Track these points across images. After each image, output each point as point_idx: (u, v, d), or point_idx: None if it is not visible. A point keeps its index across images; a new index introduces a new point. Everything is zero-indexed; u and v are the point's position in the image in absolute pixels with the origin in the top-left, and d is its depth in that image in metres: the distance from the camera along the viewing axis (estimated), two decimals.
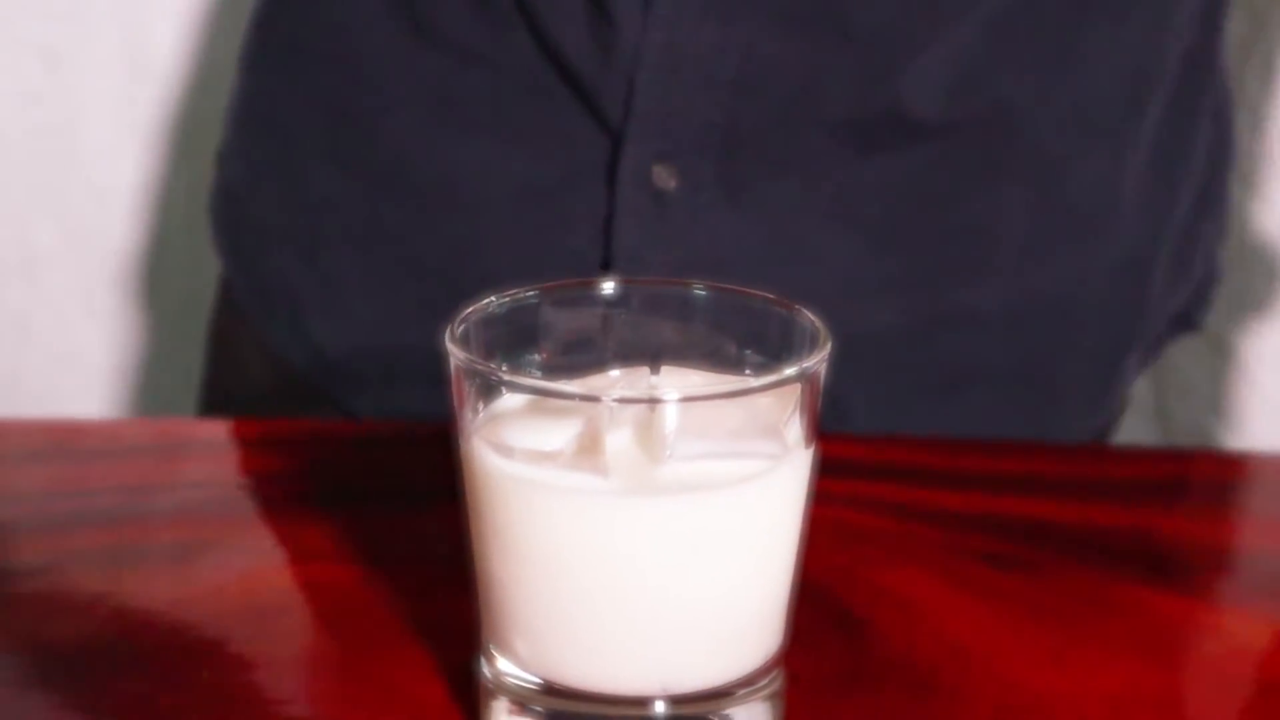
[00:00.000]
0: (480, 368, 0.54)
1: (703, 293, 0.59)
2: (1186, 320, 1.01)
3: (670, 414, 0.53)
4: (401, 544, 0.70)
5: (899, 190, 0.88)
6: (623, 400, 0.53)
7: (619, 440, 0.53)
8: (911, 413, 0.91)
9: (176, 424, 0.82)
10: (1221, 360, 1.39)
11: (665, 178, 0.86)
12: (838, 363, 0.57)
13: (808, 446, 0.56)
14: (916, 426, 0.88)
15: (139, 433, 0.81)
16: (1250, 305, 1.37)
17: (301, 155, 0.95)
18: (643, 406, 0.54)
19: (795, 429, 0.55)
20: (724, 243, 0.87)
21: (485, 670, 0.57)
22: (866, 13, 0.85)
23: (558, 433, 0.54)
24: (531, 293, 0.59)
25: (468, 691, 0.59)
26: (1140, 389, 1.37)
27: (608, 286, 0.60)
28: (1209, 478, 0.82)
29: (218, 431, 0.80)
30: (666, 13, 0.84)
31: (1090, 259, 0.92)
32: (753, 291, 0.59)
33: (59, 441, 0.80)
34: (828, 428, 0.58)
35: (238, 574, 0.68)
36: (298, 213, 0.95)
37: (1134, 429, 1.38)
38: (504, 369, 0.55)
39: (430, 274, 0.91)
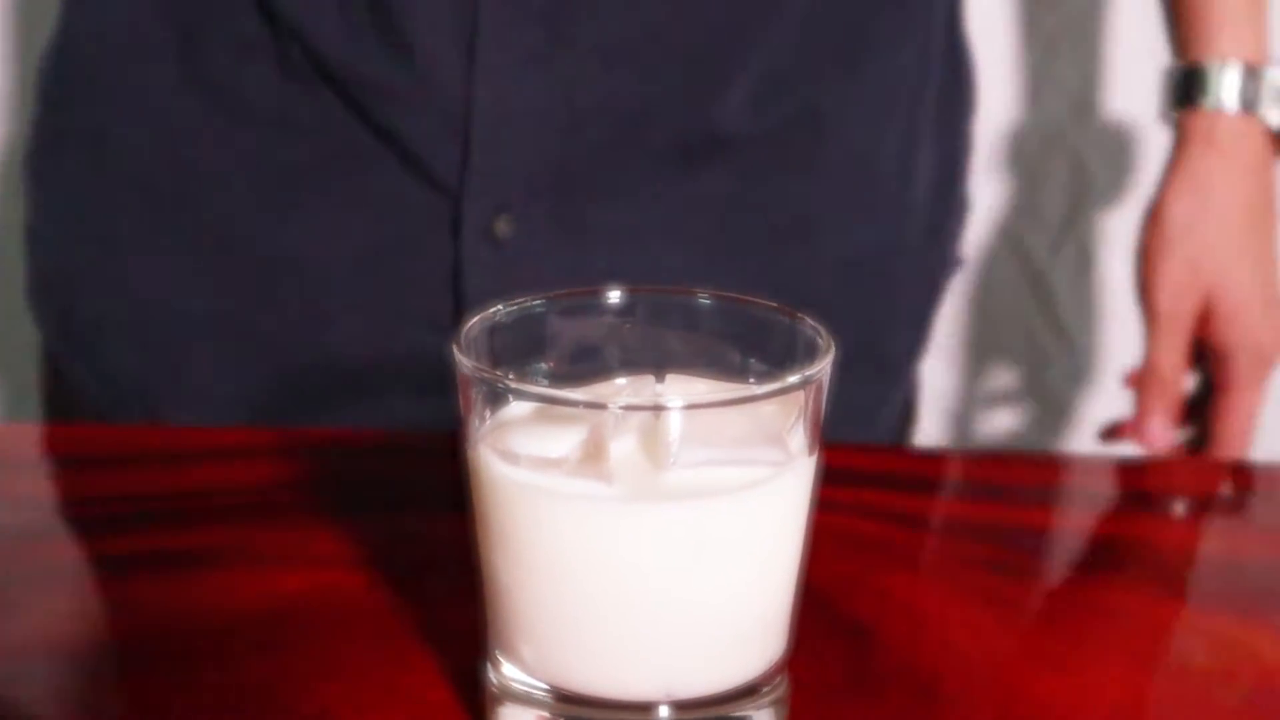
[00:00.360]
0: (486, 375, 0.55)
1: (707, 301, 0.60)
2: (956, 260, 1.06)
3: (674, 421, 0.53)
4: (411, 551, 0.70)
5: (725, 201, 0.90)
6: (627, 407, 0.54)
7: (623, 447, 0.54)
8: None
9: (186, 432, 0.82)
10: None
11: (503, 226, 0.87)
12: None
13: (810, 454, 0.56)
14: None
15: (149, 439, 0.81)
16: None
17: (124, 242, 0.91)
18: (647, 414, 0.54)
19: (798, 436, 0.56)
20: (566, 276, 0.87)
21: (491, 675, 0.58)
22: (683, 38, 0.86)
23: (563, 440, 0.54)
24: (538, 301, 0.59)
25: (474, 696, 0.59)
26: None
27: (614, 295, 0.60)
28: (1215, 487, 0.82)
29: (228, 439, 0.81)
30: (490, 68, 0.84)
31: (895, 230, 0.96)
32: (757, 300, 0.59)
33: (65, 449, 0.80)
34: None
35: (248, 579, 0.68)
36: (131, 304, 0.92)
37: None
38: (510, 376, 0.56)
39: (283, 351, 0.90)
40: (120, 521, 0.73)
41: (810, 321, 0.57)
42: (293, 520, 0.73)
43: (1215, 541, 0.74)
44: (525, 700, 0.56)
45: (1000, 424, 1.36)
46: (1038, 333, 1.40)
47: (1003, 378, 1.39)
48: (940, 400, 1.38)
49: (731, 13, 0.86)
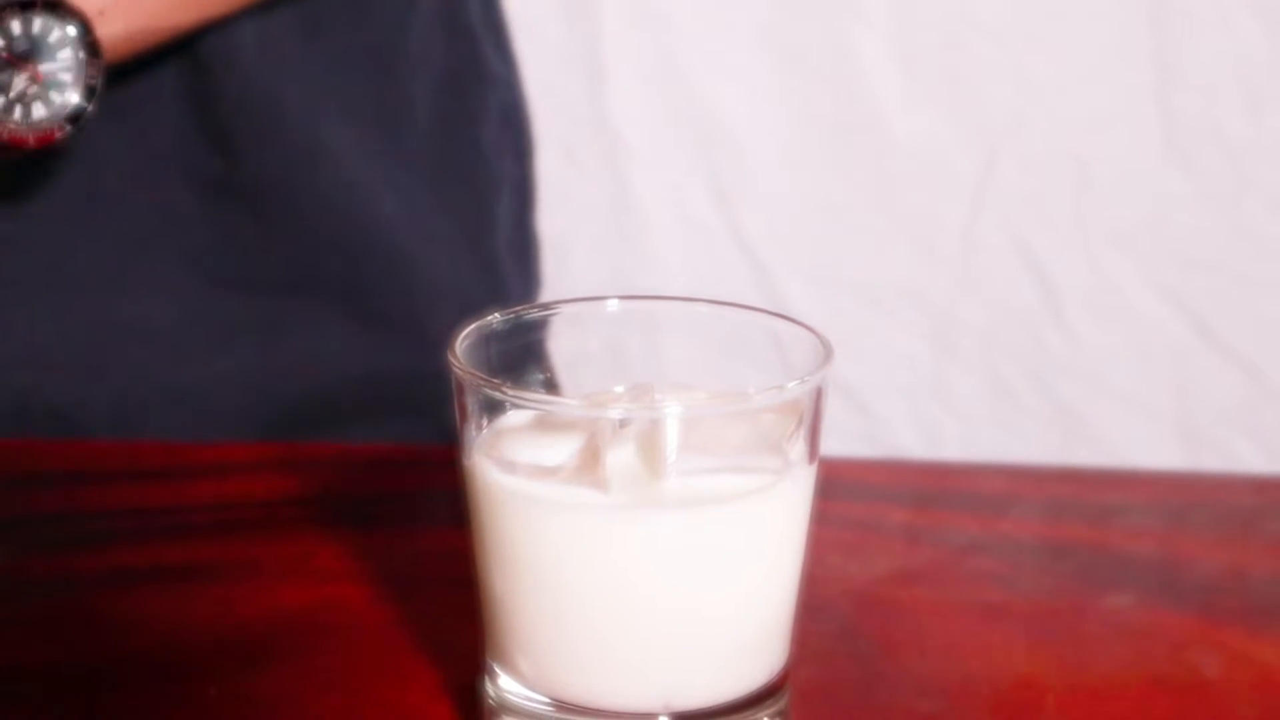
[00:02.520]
0: (482, 383, 0.54)
1: (707, 309, 0.59)
2: None
3: (671, 429, 0.53)
4: (412, 565, 0.70)
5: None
6: (624, 415, 0.53)
7: (620, 455, 0.53)
8: None
9: (188, 447, 0.82)
10: (1251, 382, 1.38)
11: None
12: None
13: (810, 463, 0.55)
14: None
15: (150, 455, 0.81)
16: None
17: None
18: (644, 422, 0.54)
19: (798, 445, 0.55)
20: (44, 335, 0.88)
21: (489, 689, 0.57)
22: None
23: (560, 448, 0.54)
24: (535, 310, 0.59)
25: (473, 710, 0.59)
26: (1165, 407, 1.37)
27: (612, 303, 0.60)
28: (1223, 500, 0.81)
29: (231, 454, 0.81)
30: None
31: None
32: (756, 308, 0.59)
33: (64, 464, 0.80)
34: None
35: (250, 593, 0.68)
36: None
37: (1158, 449, 1.38)
38: (506, 384, 0.55)
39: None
40: (122, 536, 0.72)
41: (811, 329, 0.57)
42: (295, 535, 0.72)
43: (1224, 553, 0.74)
44: (523, 713, 0.56)
45: (1009, 430, 1.36)
46: (1047, 337, 1.39)
47: (1011, 383, 1.38)
48: (953, 404, 1.38)
49: None
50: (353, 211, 0.91)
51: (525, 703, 0.56)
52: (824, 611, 0.66)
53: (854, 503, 0.76)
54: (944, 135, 1.36)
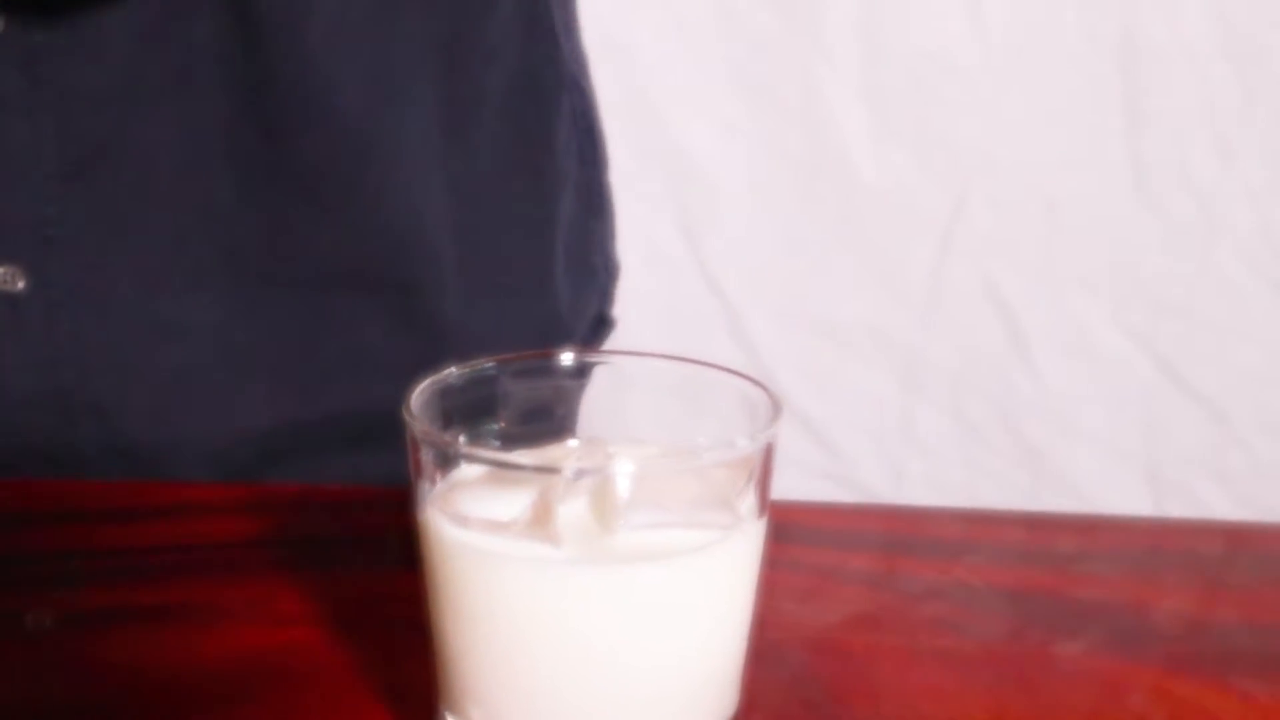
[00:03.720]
0: (436, 439, 0.55)
1: (660, 364, 0.60)
2: (603, 320, 1.03)
3: (622, 484, 0.54)
4: (372, 608, 0.70)
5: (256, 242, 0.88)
6: (577, 471, 0.54)
7: (572, 510, 0.54)
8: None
9: (150, 486, 0.82)
10: (1218, 426, 1.39)
11: (13, 279, 0.85)
12: None
13: (760, 516, 0.56)
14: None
15: (111, 495, 0.81)
16: (1247, 373, 1.37)
17: None
18: (597, 477, 0.54)
19: (748, 499, 0.56)
20: (87, 334, 0.87)
21: None
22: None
23: (512, 503, 0.55)
24: (490, 363, 0.59)
25: None
26: (1133, 449, 1.38)
27: (567, 358, 0.60)
28: (1187, 548, 0.81)
29: (193, 494, 0.81)
30: None
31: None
32: (709, 364, 0.59)
33: (21, 504, 0.80)
34: None
35: (211, 635, 0.68)
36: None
37: (1126, 491, 1.38)
38: (460, 440, 0.56)
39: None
40: (82, 577, 0.72)
41: (760, 384, 0.57)
42: (257, 576, 0.73)
43: (1179, 602, 0.74)
44: None
45: (977, 470, 1.36)
46: (1015, 378, 1.39)
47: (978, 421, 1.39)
48: (920, 443, 1.38)
49: None
50: (405, 206, 0.90)
51: None
52: (776, 658, 0.67)
53: (811, 547, 0.76)
54: (913, 175, 1.36)
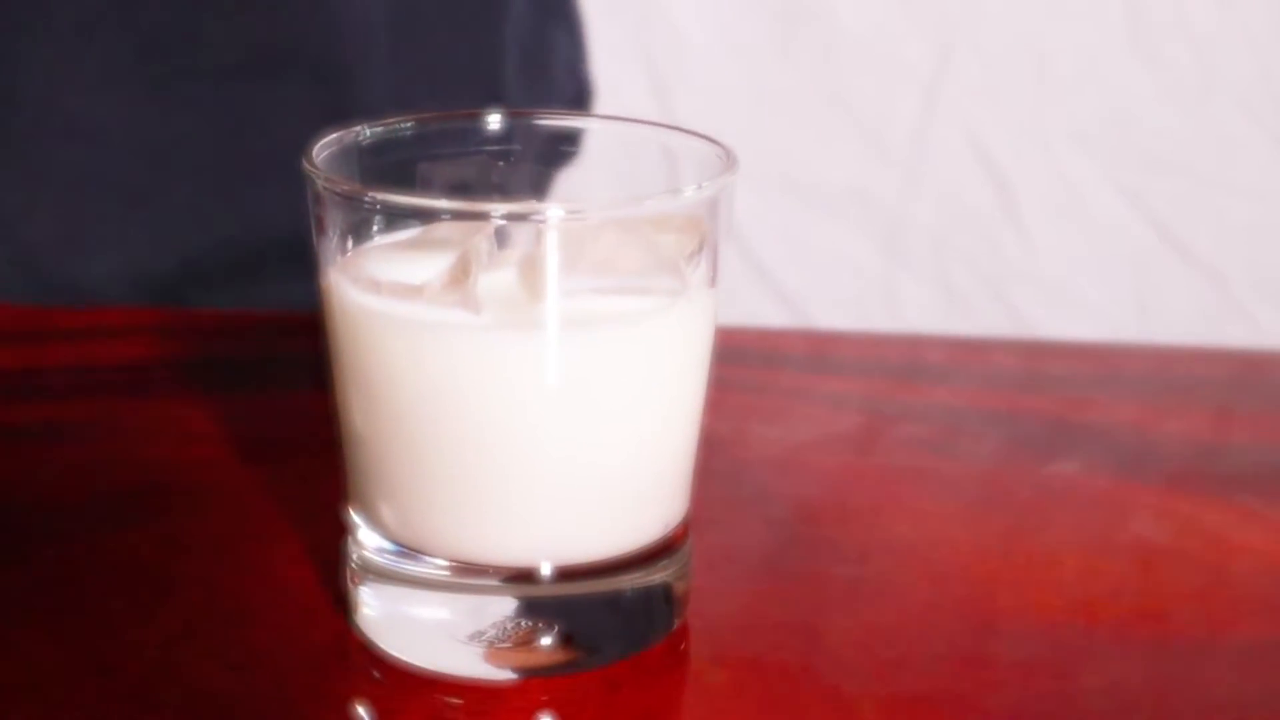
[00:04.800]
0: (341, 188, 0.47)
1: (598, 123, 0.53)
2: None
3: (553, 243, 0.46)
4: (281, 428, 0.64)
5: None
6: (503, 219, 0.47)
7: (496, 272, 0.47)
8: None
9: (50, 312, 0.76)
10: (1216, 293, 1.33)
11: None
12: None
13: (711, 285, 0.49)
14: None
15: (12, 317, 0.75)
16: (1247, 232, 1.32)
17: None
18: (525, 234, 0.47)
19: (698, 266, 0.49)
20: None
21: (351, 547, 0.51)
22: None
23: (428, 266, 0.48)
24: (407, 123, 0.52)
25: (335, 573, 0.52)
26: (1126, 318, 1.32)
27: (493, 120, 0.53)
28: (1193, 373, 0.75)
29: (99, 318, 0.74)
30: None
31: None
32: (653, 121, 0.52)
33: None
34: None
35: (109, 451, 0.62)
36: None
37: None
38: (370, 190, 0.48)
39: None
40: None
41: (712, 140, 0.50)
42: (164, 396, 0.66)
43: (1184, 425, 0.68)
44: (384, 572, 0.49)
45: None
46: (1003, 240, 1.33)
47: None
48: (901, 313, 1.32)
49: None
50: None
51: (388, 560, 0.49)
52: (736, 475, 0.60)
53: (780, 370, 0.70)
54: (896, 25, 1.30)
